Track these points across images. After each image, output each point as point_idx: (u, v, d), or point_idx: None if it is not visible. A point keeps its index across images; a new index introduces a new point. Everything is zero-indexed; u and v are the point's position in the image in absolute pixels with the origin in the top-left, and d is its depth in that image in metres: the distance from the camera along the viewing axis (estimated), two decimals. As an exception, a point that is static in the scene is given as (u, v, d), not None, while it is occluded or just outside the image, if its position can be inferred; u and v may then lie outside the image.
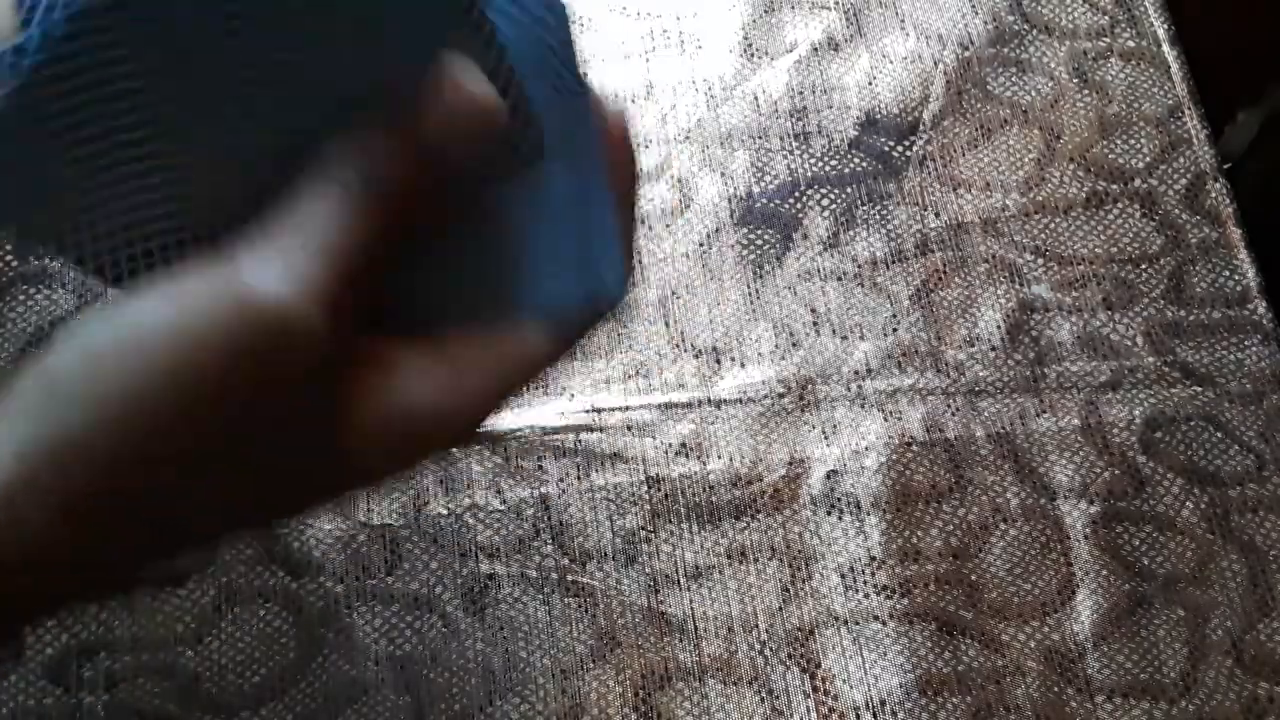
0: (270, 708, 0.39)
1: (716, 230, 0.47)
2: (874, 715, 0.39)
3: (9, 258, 0.45)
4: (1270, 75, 0.56)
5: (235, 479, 0.25)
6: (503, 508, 0.42)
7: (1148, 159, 0.49)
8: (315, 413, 0.24)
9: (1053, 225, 0.48)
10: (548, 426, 0.43)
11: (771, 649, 0.40)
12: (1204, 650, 0.41)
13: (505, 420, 0.43)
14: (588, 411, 0.44)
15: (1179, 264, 0.47)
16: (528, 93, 0.25)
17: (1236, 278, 0.47)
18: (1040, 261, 0.47)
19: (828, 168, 0.48)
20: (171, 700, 0.39)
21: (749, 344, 0.45)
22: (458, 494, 0.42)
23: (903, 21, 0.51)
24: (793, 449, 0.43)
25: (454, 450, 0.43)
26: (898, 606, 0.41)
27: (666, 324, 0.46)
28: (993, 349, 0.45)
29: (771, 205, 0.48)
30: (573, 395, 0.44)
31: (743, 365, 0.45)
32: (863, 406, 0.44)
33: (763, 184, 0.48)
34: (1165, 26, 0.52)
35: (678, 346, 0.45)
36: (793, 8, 0.52)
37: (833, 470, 0.43)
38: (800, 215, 0.48)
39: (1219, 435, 0.44)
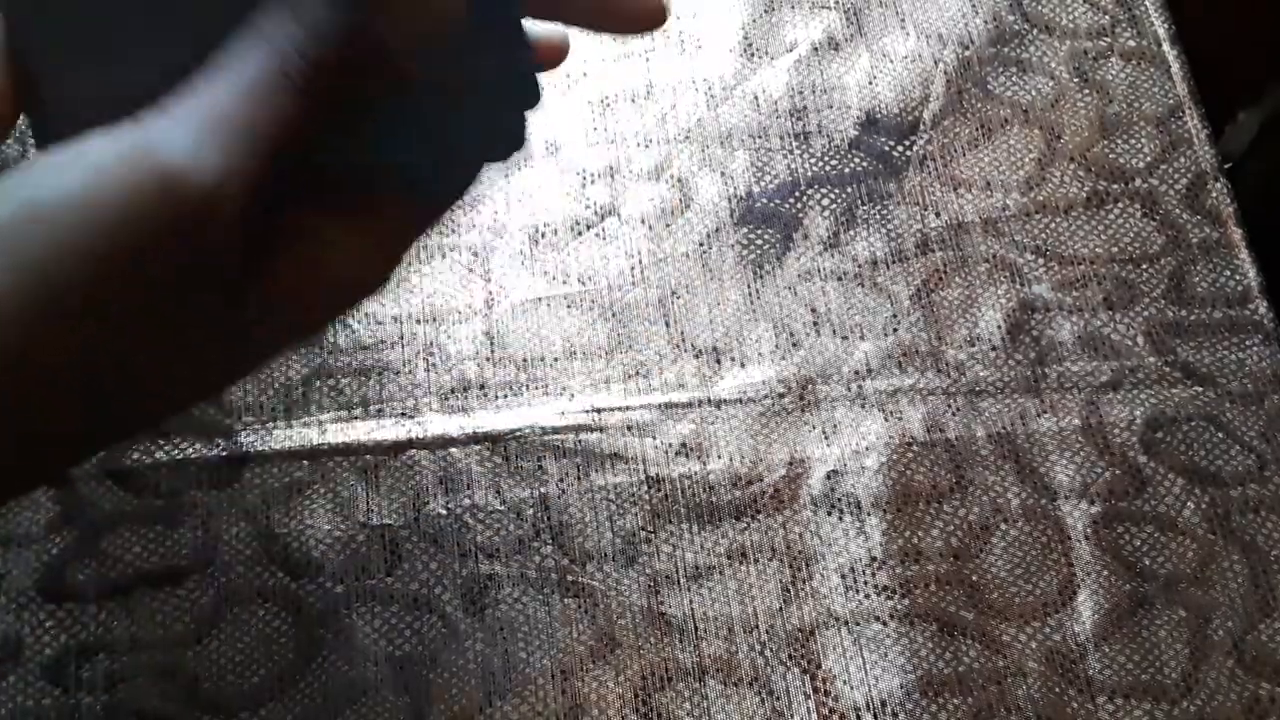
0: (270, 708, 0.39)
1: (716, 230, 0.47)
2: (874, 716, 0.39)
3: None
4: (1270, 75, 0.56)
5: (152, 348, 0.24)
6: (502, 508, 0.42)
7: (1148, 159, 0.49)
8: (230, 285, 0.24)
9: (1053, 225, 0.48)
10: (547, 426, 0.43)
11: (772, 649, 0.40)
12: (1205, 651, 0.41)
13: (505, 420, 0.43)
14: (587, 411, 0.44)
15: (1179, 264, 0.47)
16: None
17: (1237, 278, 0.47)
18: (1041, 261, 0.47)
19: (828, 168, 0.48)
20: (171, 700, 0.39)
21: (749, 344, 0.45)
22: (457, 494, 0.42)
23: (903, 21, 0.51)
24: (793, 449, 0.43)
25: (453, 450, 0.43)
26: (898, 607, 0.41)
27: (666, 324, 0.46)
28: (993, 349, 0.45)
29: (771, 205, 0.48)
30: (573, 395, 0.44)
31: (743, 365, 0.45)
32: (863, 406, 0.44)
33: (763, 184, 0.48)
34: (1165, 26, 0.52)
35: (678, 346, 0.45)
36: (793, 7, 0.52)
37: (833, 470, 0.43)
38: (800, 215, 0.48)
39: (1220, 435, 0.44)
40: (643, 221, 0.47)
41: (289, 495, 0.42)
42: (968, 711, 0.39)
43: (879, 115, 0.50)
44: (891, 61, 0.51)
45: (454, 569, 0.41)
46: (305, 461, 0.42)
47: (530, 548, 0.41)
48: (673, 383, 0.44)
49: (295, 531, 0.41)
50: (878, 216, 0.48)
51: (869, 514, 0.42)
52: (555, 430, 0.43)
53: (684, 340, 0.45)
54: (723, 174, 0.48)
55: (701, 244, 0.47)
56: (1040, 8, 0.52)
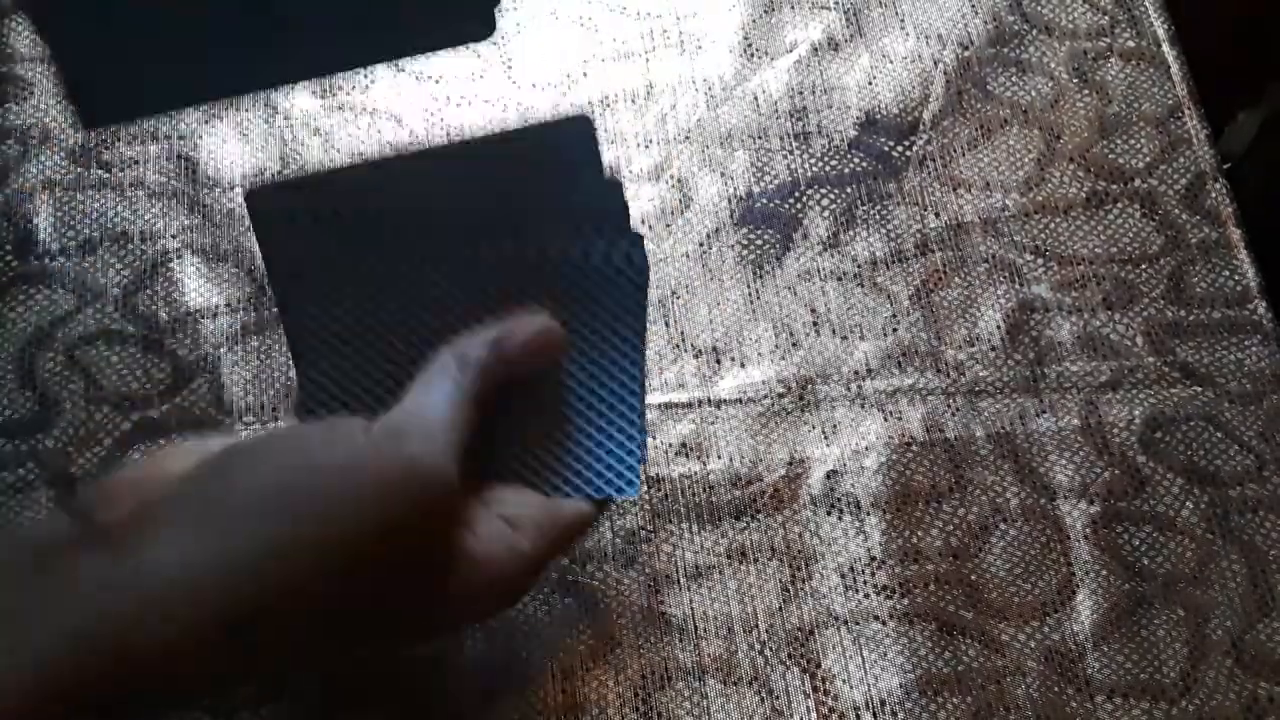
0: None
1: (716, 230, 0.47)
2: (874, 715, 0.39)
3: (9, 258, 0.45)
4: (1270, 75, 0.56)
5: (355, 613, 0.30)
6: (503, 508, 0.42)
7: (1148, 159, 0.49)
8: (434, 554, 0.31)
9: (1053, 225, 0.48)
10: (548, 426, 0.43)
11: (771, 649, 0.40)
12: (1204, 650, 0.41)
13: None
14: (588, 411, 0.44)
15: (1179, 264, 0.47)
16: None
17: (1236, 278, 0.47)
18: (1040, 261, 0.47)
19: (828, 168, 0.49)
20: (171, 700, 0.39)
21: (749, 344, 0.45)
22: (458, 494, 0.42)
23: (903, 21, 0.51)
24: (793, 449, 0.43)
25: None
26: (898, 606, 0.41)
27: (666, 324, 0.46)
28: (993, 349, 0.45)
29: (771, 205, 0.48)
30: (573, 395, 0.44)
31: (743, 365, 0.45)
32: (863, 406, 0.44)
33: (763, 184, 0.48)
34: (1165, 26, 0.52)
35: (678, 347, 0.45)
36: (793, 8, 0.52)
37: (833, 470, 0.43)
38: (800, 215, 0.48)
39: (1219, 435, 0.44)
40: (643, 221, 0.47)
41: (290, 495, 0.42)
42: (967, 711, 0.40)
43: (879, 115, 0.50)
44: (891, 62, 0.51)
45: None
46: (306, 461, 0.42)
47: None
48: (673, 383, 0.45)
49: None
50: (877, 217, 0.48)
51: (868, 514, 0.42)
52: (555, 430, 0.43)
53: (684, 340, 0.45)
54: (723, 174, 0.48)
55: (701, 244, 0.47)
56: (1040, 8, 0.52)
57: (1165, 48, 0.51)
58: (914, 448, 0.44)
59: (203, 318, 0.45)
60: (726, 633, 0.40)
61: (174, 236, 0.46)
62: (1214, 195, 0.48)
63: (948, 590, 0.41)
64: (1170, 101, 0.50)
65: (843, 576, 0.41)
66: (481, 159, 0.37)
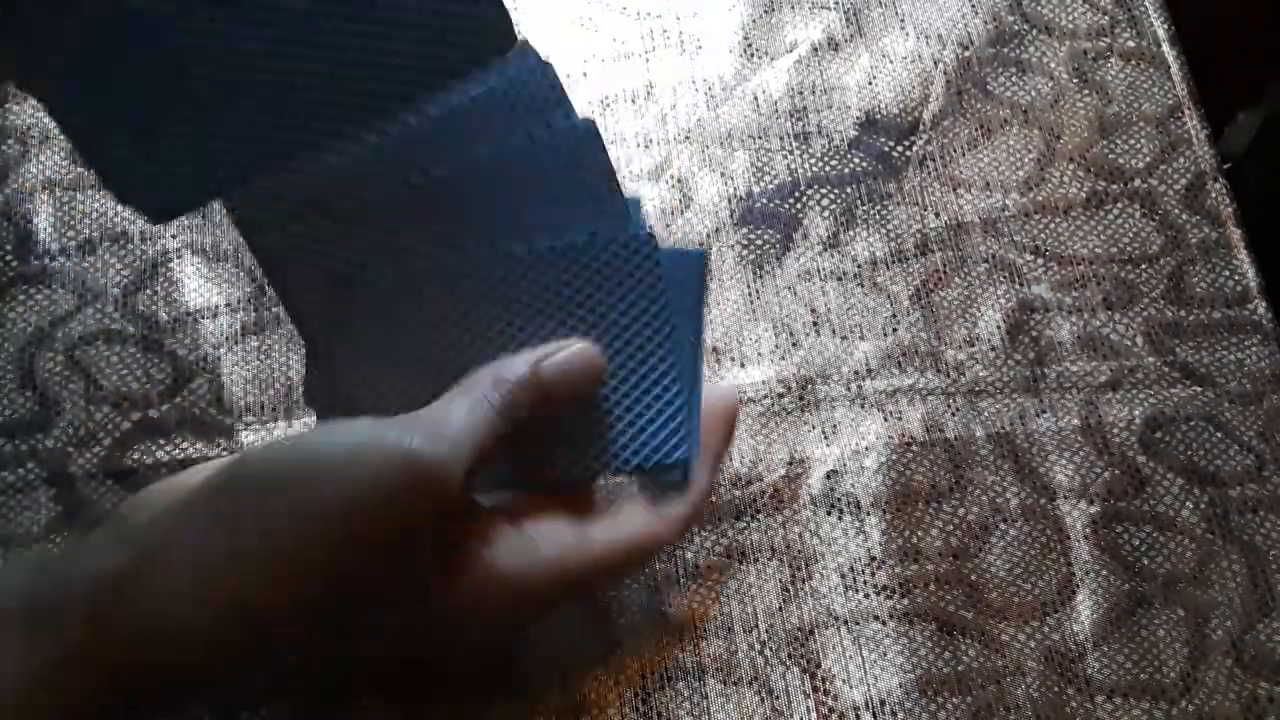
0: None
1: (716, 230, 0.47)
2: (874, 715, 0.39)
3: (9, 258, 0.45)
4: (1270, 75, 0.56)
5: (352, 618, 0.30)
6: (503, 508, 0.42)
7: (1148, 159, 0.49)
8: (428, 564, 0.31)
9: (1053, 225, 0.48)
10: (548, 426, 0.43)
11: (771, 649, 0.40)
12: (1204, 650, 0.41)
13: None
14: (588, 411, 0.44)
15: (1179, 264, 0.47)
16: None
17: (1236, 278, 0.47)
18: (1040, 261, 0.47)
19: (828, 168, 0.48)
20: (171, 700, 0.39)
21: (749, 344, 0.45)
22: (458, 494, 0.42)
23: (903, 21, 0.51)
24: (793, 449, 0.43)
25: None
26: (898, 606, 0.41)
27: (666, 324, 0.46)
28: (993, 349, 0.45)
29: (771, 205, 0.48)
30: (573, 395, 0.44)
31: (743, 365, 0.45)
32: (863, 406, 0.44)
33: (763, 184, 0.48)
34: (1165, 26, 0.52)
35: (678, 346, 0.45)
36: (793, 8, 0.52)
37: (833, 470, 0.43)
38: (800, 215, 0.48)
39: (1219, 435, 0.44)
40: (643, 222, 0.47)
41: (290, 495, 0.42)
42: (967, 710, 0.40)
43: (879, 115, 0.50)
44: (891, 62, 0.51)
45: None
46: (306, 461, 0.42)
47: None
48: (673, 383, 0.45)
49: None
50: (877, 216, 0.48)
51: (868, 514, 0.42)
52: (555, 430, 0.43)
53: (684, 340, 0.45)
54: (723, 174, 0.48)
55: (701, 244, 0.47)
56: (1040, 8, 0.52)
57: (1165, 48, 0.51)
58: (914, 448, 0.44)
59: (203, 318, 0.45)
60: (726, 633, 0.40)
61: (174, 236, 0.46)
62: (1214, 195, 0.48)
63: (948, 590, 0.41)
64: (1170, 101, 0.50)
65: (843, 576, 0.41)
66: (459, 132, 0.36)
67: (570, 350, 0.34)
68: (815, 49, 0.51)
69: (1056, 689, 0.40)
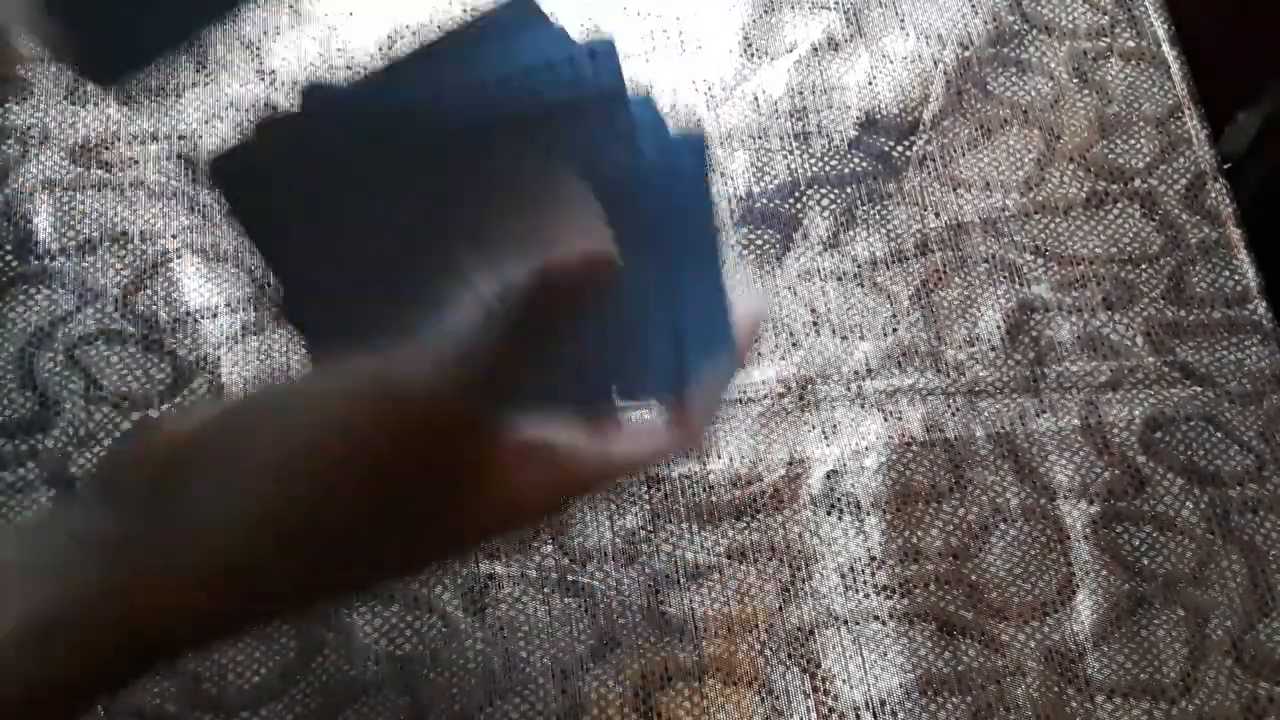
0: (270, 708, 0.39)
1: (716, 230, 0.47)
2: (874, 715, 0.39)
3: (9, 258, 0.45)
4: (1270, 75, 0.56)
5: (372, 534, 0.29)
6: (503, 508, 0.42)
7: (1148, 159, 0.49)
8: (444, 484, 0.29)
9: (1053, 225, 0.48)
10: (548, 426, 0.43)
11: (771, 649, 0.40)
12: (1204, 650, 0.41)
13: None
14: (588, 411, 0.44)
15: (1179, 264, 0.47)
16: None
17: (1236, 278, 0.47)
18: (1040, 261, 0.47)
19: (828, 168, 0.48)
20: (171, 700, 0.39)
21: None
22: (458, 494, 0.42)
23: (903, 21, 0.51)
24: (793, 449, 0.43)
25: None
26: (898, 606, 0.41)
27: (666, 324, 0.46)
28: (993, 349, 0.45)
29: (771, 205, 0.48)
30: (573, 395, 0.44)
31: (743, 365, 0.45)
32: (863, 406, 0.44)
33: (763, 184, 0.48)
34: (1165, 26, 0.52)
35: (678, 346, 0.45)
36: (793, 8, 0.52)
37: (833, 470, 0.43)
38: (800, 215, 0.48)
39: (1219, 435, 0.44)
40: (643, 221, 0.47)
41: (289, 495, 0.42)
42: (967, 710, 0.39)
43: (879, 115, 0.50)
44: (891, 62, 0.51)
45: (454, 569, 0.41)
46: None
47: (530, 547, 0.42)
48: (673, 383, 0.45)
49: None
50: (877, 217, 0.48)
51: (868, 514, 0.42)
52: (555, 430, 0.43)
53: (684, 340, 0.45)
54: (723, 174, 0.48)
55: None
56: (1040, 8, 0.52)
57: (1165, 48, 0.51)
58: (914, 448, 0.44)
59: (203, 318, 0.45)
60: (726, 633, 0.40)
61: (174, 236, 0.46)
62: (1214, 195, 0.48)
63: (948, 590, 0.41)
64: (1170, 101, 0.50)
65: (843, 576, 0.41)
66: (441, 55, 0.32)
67: (584, 256, 0.29)
68: (815, 49, 0.51)
69: (1056, 689, 0.40)
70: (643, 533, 0.42)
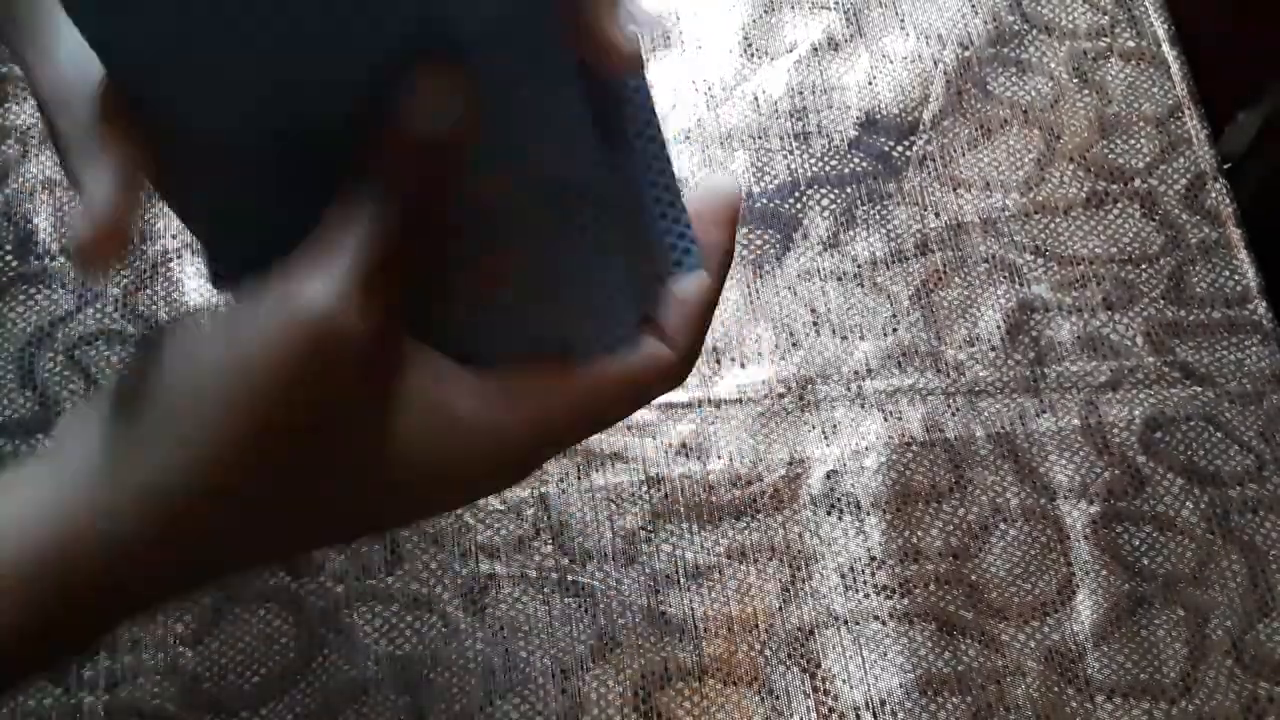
0: (270, 708, 0.39)
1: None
2: (874, 715, 0.39)
3: (9, 258, 0.45)
4: (1270, 75, 0.56)
5: (291, 496, 0.26)
6: (502, 508, 0.42)
7: (1148, 159, 0.49)
8: (366, 422, 0.26)
9: (1053, 225, 0.48)
10: (548, 426, 0.43)
11: (771, 649, 0.40)
12: (1204, 650, 0.41)
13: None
14: (588, 411, 0.44)
15: (1179, 264, 0.47)
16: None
17: (1236, 278, 0.47)
18: (1040, 261, 0.47)
19: (828, 168, 0.48)
20: (171, 700, 0.39)
21: (749, 344, 0.45)
22: (458, 494, 0.42)
23: (903, 21, 0.51)
24: (793, 449, 0.43)
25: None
26: (898, 606, 0.41)
27: (666, 324, 0.46)
28: (993, 349, 0.45)
29: (771, 205, 0.48)
30: (573, 395, 0.44)
31: (743, 365, 0.45)
32: (863, 406, 0.44)
33: (763, 184, 0.48)
34: (1165, 26, 0.52)
35: (678, 346, 0.45)
36: (793, 8, 0.52)
37: (833, 470, 0.43)
38: (800, 215, 0.48)
39: (1219, 435, 0.44)
40: (643, 221, 0.47)
41: (289, 495, 0.42)
42: (966, 710, 0.40)
43: (879, 115, 0.50)
44: (891, 62, 0.51)
45: (454, 568, 0.41)
46: (306, 461, 0.42)
47: (530, 547, 0.42)
48: (673, 383, 0.45)
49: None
50: (877, 217, 0.48)
51: (868, 514, 0.42)
52: (555, 430, 0.43)
53: (684, 340, 0.45)
54: (723, 174, 0.48)
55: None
56: (1040, 8, 0.52)
57: (1165, 48, 0.51)
58: (914, 448, 0.44)
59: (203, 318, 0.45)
60: (726, 633, 0.40)
61: (174, 236, 0.46)
62: (1214, 195, 0.48)
63: (948, 590, 0.41)
64: (1170, 101, 0.50)
65: (843, 576, 0.41)
66: None
67: (434, 94, 0.24)
68: (815, 49, 0.51)
69: (1056, 689, 0.40)
70: (643, 533, 0.42)
